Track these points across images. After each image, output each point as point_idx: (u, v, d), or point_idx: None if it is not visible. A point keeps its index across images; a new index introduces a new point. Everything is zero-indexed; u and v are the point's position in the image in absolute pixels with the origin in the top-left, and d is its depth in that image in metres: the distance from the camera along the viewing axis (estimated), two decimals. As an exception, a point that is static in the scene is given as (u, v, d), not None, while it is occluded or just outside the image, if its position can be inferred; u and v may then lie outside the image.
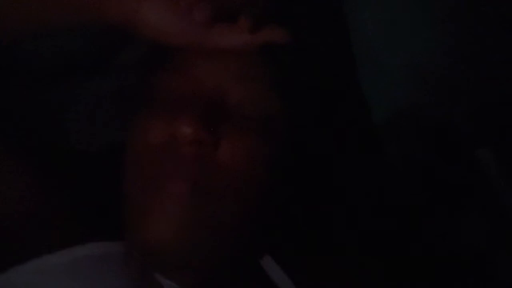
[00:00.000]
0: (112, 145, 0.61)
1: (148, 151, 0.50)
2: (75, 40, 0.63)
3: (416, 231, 0.68)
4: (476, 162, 0.68)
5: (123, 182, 0.52)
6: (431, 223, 0.68)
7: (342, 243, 0.63)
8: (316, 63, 0.63)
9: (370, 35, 0.68)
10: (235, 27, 0.51)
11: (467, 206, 0.68)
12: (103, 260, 0.51)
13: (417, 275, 0.63)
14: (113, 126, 0.63)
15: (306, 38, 0.61)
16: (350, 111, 0.69)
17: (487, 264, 0.66)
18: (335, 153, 0.65)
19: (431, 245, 0.67)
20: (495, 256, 0.66)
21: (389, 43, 0.68)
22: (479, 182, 0.68)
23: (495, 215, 0.68)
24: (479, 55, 0.67)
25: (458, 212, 0.68)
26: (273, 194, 0.54)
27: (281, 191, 0.55)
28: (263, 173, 0.51)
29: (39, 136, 0.63)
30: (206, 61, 0.52)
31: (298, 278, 0.56)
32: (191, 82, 0.52)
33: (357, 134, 0.69)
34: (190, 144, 0.48)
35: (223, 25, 0.51)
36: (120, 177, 0.53)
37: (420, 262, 0.65)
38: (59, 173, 0.58)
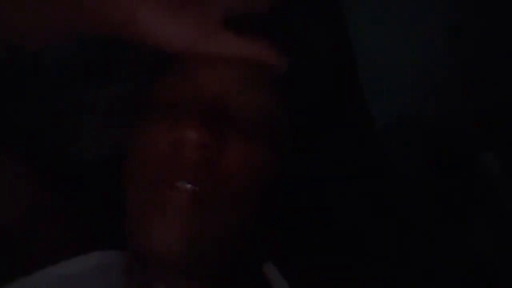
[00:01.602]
0: (117, 152, 0.62)
1: (152, 157, 0.50)
2: (77, 48, 0.63)
3: (418, 235, 0.68)
4: (479, 166, 0.68)
5: (126, 188, 0.53)
6: (433, 227, 0.68)
7: (343, 247, 0.64)
8: (318, 68, 0.63)
9: (372, 39, 0.68)
10: (235, 37, 0.51)
11: (470, 210, 0.68)
12: (106, 270, 0.52)
13: (418, 279, 0.64)
14: (118, 133, 0.63)
15: (307, 44, 0.61)
16: (352, 116, 0.69)
17: (492, 269, 0.66)
18: (337, 158, 0.65)
19: (434, 249, 0.67)
20: (500, 260, 0.66)
21: (391, 48, 0.68)
22: (483, 186, 0.68)
23: (498, 219, 0.67)
24: (483, 59, 0.67)
25: (462, 217, 0.68)
26: (275, 198, 0.54)
27: (283, 195, 0.55)
28: (266, 176, 0.52)
29: (45, 145, 0.63)
30: (209, 65, 0.52)
31: (298, 284, 0.56)
32: (194, 87, 0.52)
33: (359, 139, 0.69)
34: (195, 149, 0.48)
35: (223, 33, 0.51)
36: (122, 184, 0.53)
37: (422, 266, 0.65)
38: (63, 181, 0.58)
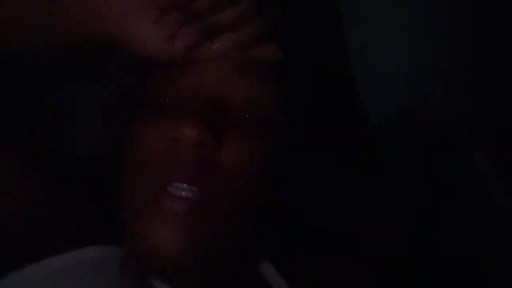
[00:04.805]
0: (112, 149, 0.61)
1: (149, 155, 0.49)
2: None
3: (413, 234, 0.68)
4: (473, 166, 0.68)
5: (121, 187, 0.52)
6: (428, 226, 0.69)
7: (340, 246, 0.63)
8: (313, 66, 0.63)
9: (367, 38, 0.68)
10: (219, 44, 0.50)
11: (463, 210, 0.68)
12: (100, 264, 0.51)
13: (414, 279, 0.64)
14: (114, 130, 0.63)
15: (302, 42, 0.61)
16: (346, 114, 0.69)
17: (486, 268, 0.66)
18: (333, 157, 0.65)
19: (429, 249, 0.67)
20: (493, 259, 0.66)
21: (386, 46, 0.68)
22: (476, 186, 0.68)
23: (491, 218, 0.68)
24: (480, 60, 0.67)
25: (455, 216, 0.68)
26: (273, 196, 0.53)
27: (281, 194, 0.55)
28: (264, 175, 0.51)
29: (39, 140, 0.62)
30: (206, 63, 0.51)
31: (295, 282, 0.56)
32: (192, 85, 0.51)
33: (355, 138, 0.69)
34: (192, 148, 0.47)
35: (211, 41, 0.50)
36: (118, 182, 0.52)
37: (417, 266, 0.65)
38: (59, 177, 0.57)
